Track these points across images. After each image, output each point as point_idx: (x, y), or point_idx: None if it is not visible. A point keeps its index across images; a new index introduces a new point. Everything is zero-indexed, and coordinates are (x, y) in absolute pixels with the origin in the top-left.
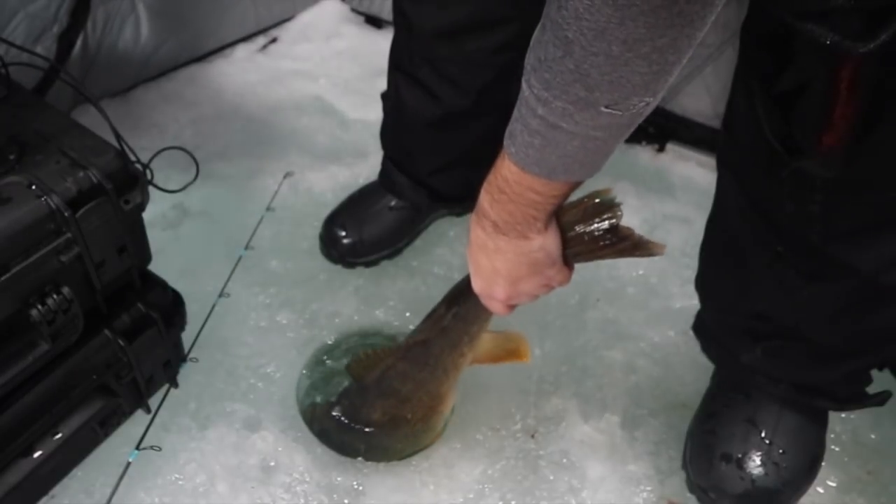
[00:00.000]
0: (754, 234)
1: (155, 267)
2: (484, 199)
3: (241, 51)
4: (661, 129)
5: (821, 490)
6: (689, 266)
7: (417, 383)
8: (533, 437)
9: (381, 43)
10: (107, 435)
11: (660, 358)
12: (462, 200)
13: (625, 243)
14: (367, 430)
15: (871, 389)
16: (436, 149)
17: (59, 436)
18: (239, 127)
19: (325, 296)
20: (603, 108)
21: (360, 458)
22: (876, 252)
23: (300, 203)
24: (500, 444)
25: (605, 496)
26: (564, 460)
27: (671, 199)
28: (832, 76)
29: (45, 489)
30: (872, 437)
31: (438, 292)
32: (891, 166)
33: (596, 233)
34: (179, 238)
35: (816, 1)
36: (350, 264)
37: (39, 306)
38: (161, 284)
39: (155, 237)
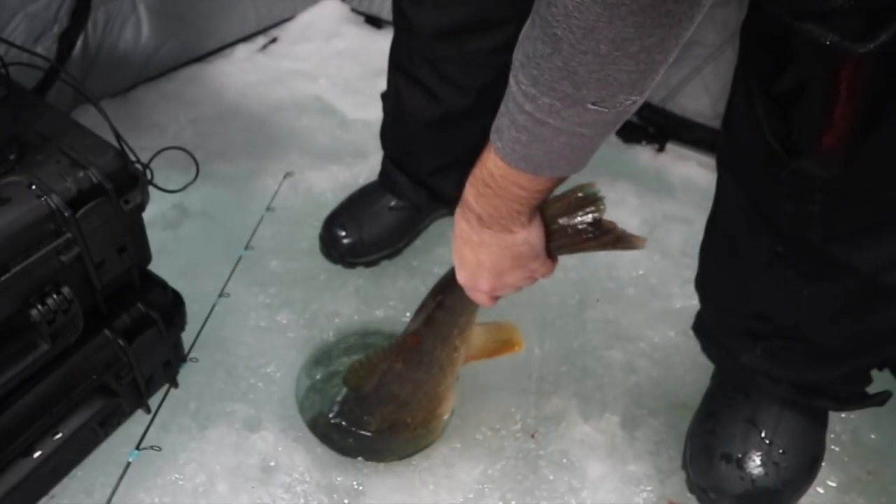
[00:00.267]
0: (754, 235)
1: (155, 267)
2: (469, 192)
3: (242, 51)
4: (661, 129)
5: (821, 490)
6: (689, 266)
7: (415, 385)
8: (533, 437)
9: (381, 43)
10: (107, 435)
11: (660, 358)
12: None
13: (607, 236)
14: (368, 436)
15: (871, 389)
16: (436, 149)
17: (59, 436)
18: (239, 127)
19: (325, 296)
20: (590, 106)
21: (360, 458)
22: (876, 252)
23: (300, 203)
24: (500, 444)
25: (605, 496)
26: (564, 460)
27: (671, 199)
28: (832, 76)
29: (45, 489)
30: (872, 437)
31: None
32: (891, 166)
33: (579, 226)
34: (179, 238)
35: (816, 1)
36: (350, 264)
37: (39, 306)
38: (161, 284)
39: (155, 237)
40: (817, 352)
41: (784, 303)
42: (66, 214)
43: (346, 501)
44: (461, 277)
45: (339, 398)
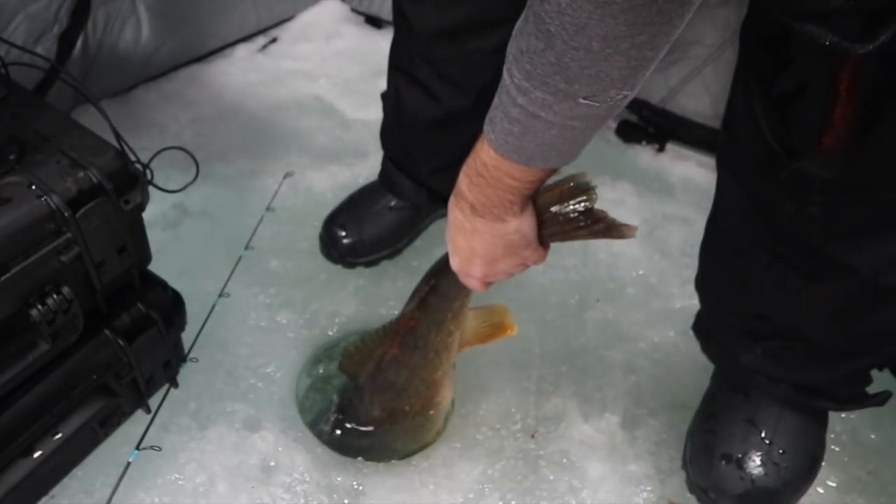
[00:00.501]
0: (754, 235)
1: (155, 267)
2: (462, 181)
3: (242, 51)
4: (661, 129)
5: (821, 490)
6: (689, 266)
7: (411, 370)
8: (533, 437)
9: (381, 43)
10: (107, 435)
11: (660, 358)
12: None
13: (598, 225)
14: (368, 429)
15: (871, 389)
16: (436, 149)
17: (59, 436)
18: (239, 127)
19: (325, 296)
20: (581, 100)
21: (360, 458)
22: (875, 253)
23: (300, 203)
24: (500, 444)
25: (605, 496)
26: (564, 460)
27: (671, 199)
28: (831, 77)
29: (45, 489)
30: (872, 437)
31: None
32: (890, 167)
33: (571, 214)
34: (179, 238)
35: (815, 2)
36: (350, 264)
37: (39, 306)
38: (161, 284)
39: (155, 237)
40: (817, 352)
41: (784, 303)
42: (66, 214)
43: (346, 501)
44: (454, 264)
45: (337, 394)
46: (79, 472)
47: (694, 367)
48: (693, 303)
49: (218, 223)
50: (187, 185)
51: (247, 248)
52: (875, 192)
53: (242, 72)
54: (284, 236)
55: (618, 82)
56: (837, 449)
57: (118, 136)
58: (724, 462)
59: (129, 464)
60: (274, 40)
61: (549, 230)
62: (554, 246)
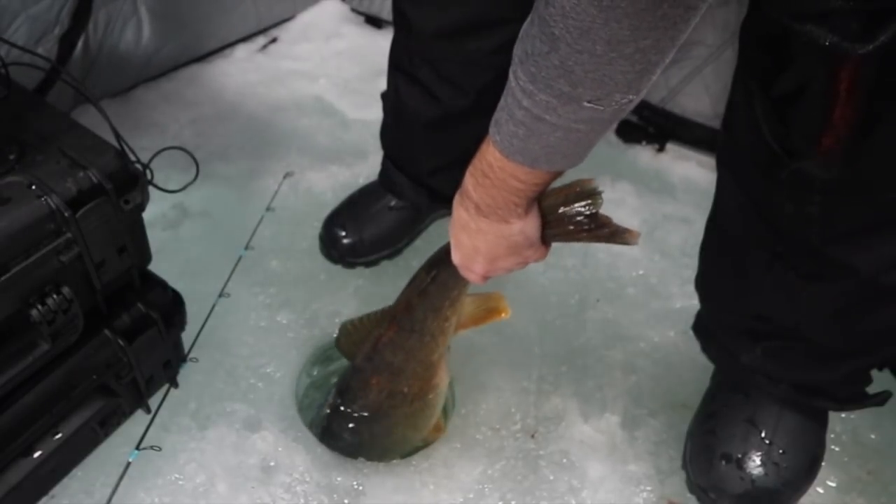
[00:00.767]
0: (754, 235)
1: (155, 267)
2: (468, 181)
3: (242, 51)
4: (661, 129)
5: (821, 490)
6: (689, 266)
7: (408, 352)
8: (533, 437)
9: (381, 43)
10: (107, 435)
11: (660, 358)
12: None
13: (602, 230)
14: (367, 415)
15: (871, 389)
16: (436, 149)
17: (59, 436)
18: (239, 127)
19: (325, 296)
20: (586, 104)
21: (360, 459)
22: (875, 253)
23: (300, 203)
24: (500, 444)
25: (605, 496)
26: (564, 460)
27: (671, 199)
28: (831, 77)
29: (45, 489)
30: (872, 437)
31: None
32: (890, 167)
33: (576, 218)
34: (179, 238)
35: (815, 2)
36: (350, 264)
37: (39, 306)
38: (161, 284)
39: (155, 237)
40: (817, 352)
41: (784, 303)
42: (66, 214)
43: (346, 501)
44: (456, 259)
45: (335, 387)
46: (79, 472)
47: (694, 367)
48: (693, 303)
49: (218, 223)
50: (187, 185)
51: (247, 248)
52: (875, 193)
53: (242, 72)
54: (284, 236)
55: (623, 86)
56: (837, 449)
57: (118, 136)
58: (724, 462)
59: (129, 464)
60: (274, 40)
61: (553, 231)
62: (554, 246)
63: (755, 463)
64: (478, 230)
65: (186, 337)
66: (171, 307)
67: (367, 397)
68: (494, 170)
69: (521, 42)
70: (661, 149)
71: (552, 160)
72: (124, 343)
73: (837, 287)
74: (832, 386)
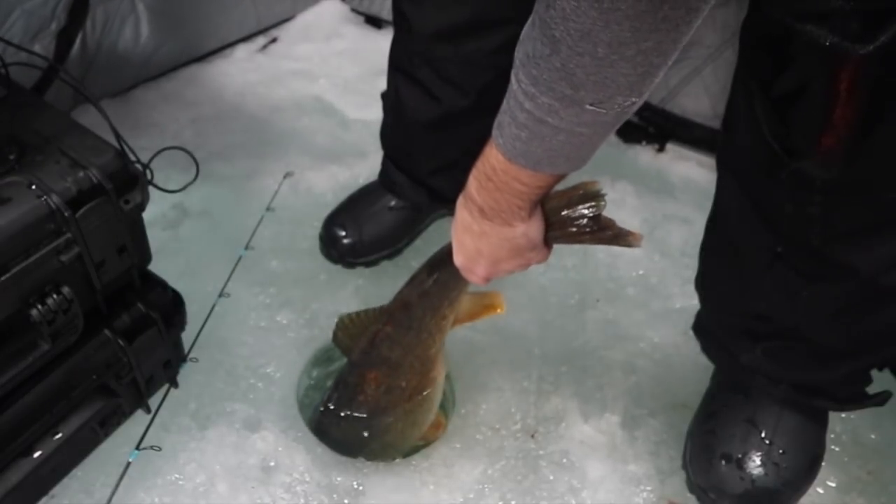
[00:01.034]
0: (754, 235)
1: (155, 267)
2: (472, 184)
3: (242, 51)
4: (661, 129)
5: (821, 490)
6: (689, 266)
7: (405, 348)
8: (533, 437)
9: (381, 43)
10: (107, 435)
11: (660, 358)
12: None
13: (605, 233)
14: (365, 410)
15: (871, 389)
16: (436, 149)
17: (59, 436)
18: (239, 127)
19: (325, 296)
20: (588, 106)
21: (360, 458)
22: (875, 253)
23: (300, 203)
24: (500, 444)
25: (605, 496)
26: (564, 460)
27: (671, 199)
28: (832, 77)
29: (45, 489)
30: (872, 437)
31: None
32: (890, 167)
33: (579, 220)
34: (179, 238)
35: (816, 2)
36: (350, 264)
37: (39, 306)
38: (161, 284)
39: (155, 237)
40: (817, 352)
41: (784, 303)
42: (66, 214)
43: (346, 501)
44: (458, 260)
45: (332, 384)
46: (79, 472)
47: (694, 367)
48: (693, 303)
49: (218, 223)
50: (187, 185)
51: (247, 248)
52: (875, 193)
53: (242, 72)
54: (284, 236)
55: (624, 89)
56: (837, 449)
57: (118, 136)
58: (724, 462)
59: (129, 464)
60: (274, 40)
61: (556, 233)
62: (554, 247)
63: (755, 463)
64: (481, 232)
65: (186, 337)
66: (171, 307)
67: (365, 392)
68: (498, 173)
69: (522, 45)
70: (661, 149)
71: (555, 163)
72: (124, 343)
73: (838, 287)
74: (832, 386)
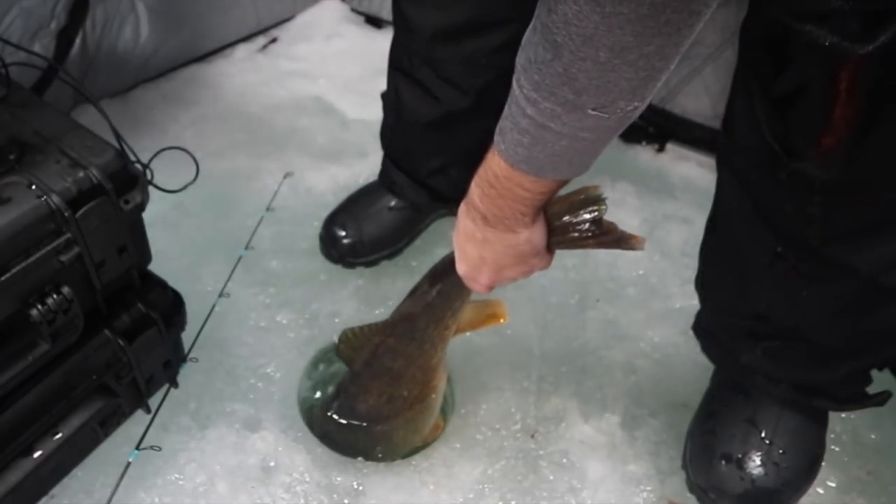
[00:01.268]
0: (754, 235)
1: (155, 267)
2: (474, 192)
3: (241, 51)
4: (661, 129)
5: (821, 490)
6: (689, 266)
7: (407, 358)
8: (533, 437)
9: (381, 43)
10: (107, 435)
11: (660, 358)
12: (462, 200)
13: (607, 237)
14: (366, 419)
15: (871, 389)
16: (436, 149)
17: (59, 436)
18: (239, 127)
19: (325, 296)
20: (590, 111)
21: (360, 458)
22: (875, 253)
23: (300, 203)
24: (500, 444)
25: (605, 496)
26: (564, 460)
27: (671, 199)
28: (831, 78)
29: (45, 489)
30: (872, 437)
31: None
32: (890, 168)
33: (581, 225)
34: (179, 238)
35: (815, 2)
36: (350, 264)
37: (39, 306)
38: (161, 284)
39: (155, 237)
40: (817, 352)
41: (784, 303)
42: (66, 214)
43: (346, 501)
44: (461, 269)
45: (334, 391)
46: (79, 472)
47: (694, 367)
48: (693, 303)
49: (218, 223)
50: (187, 185)
51: (247, 248)
52: (875, 193)
53: (242, 72)
54: (284, 236)
55: (627, 93)
56: (837, 449)
57: (118, 136)
58: (724, 462)
59: (129, 464)
60: (274, 40)
61: (558, 238)
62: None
63: (755, 463)
64: (484, 240)
65: (186, 337)
66: (171, 307)
67: (367, 402)
68: (500, 179)
69: (523, 50)
70: (661, 149)
71: (558, 168)
72: (124, 343)
73: (838, 287)
74: (832, 386)
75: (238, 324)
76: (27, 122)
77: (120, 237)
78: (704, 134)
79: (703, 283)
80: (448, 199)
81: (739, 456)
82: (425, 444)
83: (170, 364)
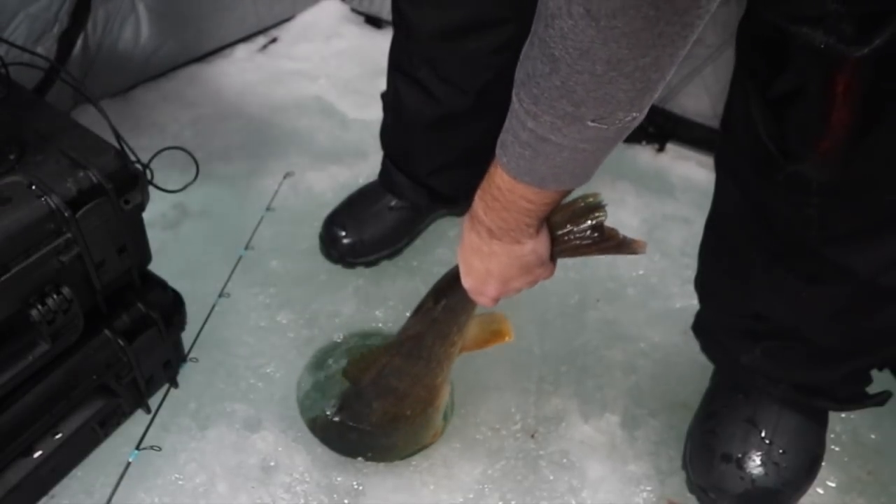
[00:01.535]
0: (753, 236)
1: (155, 267)
2: (478, 205)
3: (242, 51)
4: (660, 129)
5: (821, 490)
6: (689, 266)
7: (413, 378)
8: (533, 437)
9: (381, 43)
10: (107, 435)
11: (660, 358)
12: (462, 200)
13: (608, 243)
14: (368, 430)
15: (871, 389)
16: (435, 149)
17: (59, 436)
18: (239, 127)
19: (325, 296)
20: (590, 123)
21: (360, 458)
22: (874, 254)
23: (300, 203)
24: (500, 444)
25: (605, 496)
26: (564, 460)
27: (671, 199)
28: (828, 80)
29: (45, 489)
30: (872, 437)
31: None
32: (888, 169)
33: (583, 232)
34: (179, 238)
35: (810, 5)
36: (350, 264)
37: (39, 306)
38: (161, 284)
39: (155, 237)
40: (817, 352)
41: (783, 304)
42: (66, 214)
43: (346, 501)
44: (467, 283)
45: (337, 396)
46: (79, 472)
47: (694, 367)
48: (693, 303)
49: (218, 223)
50: (187, 185)
51: (247, 248)
52: (872, 194)
53: (242, 72)
54: (284, 236)
55: (625, 104)
56: (837, 449)
57: (118, 136)
58: (724, 462)
59: (129, 464)
60: (274, 40)
61: (561, 247)
62: None
63: (755, 463)
64: (490, 253)
65: (186, 337)
66: (171, 307)
67: (371, 420)
68: (504, 192)
69: (521, 64)
70: (661, 149)
71: (560, 179)
72: (124, 343)
73: (837, 288)
74: (832, 386)
75: (238, 324)
76: (27, 122)
77: (120, 237)
78: (704, 134)
79: (703, 284)
80: (448, 199)
81: (739, 456)
82: (422, 447)
83: (170, 364)
